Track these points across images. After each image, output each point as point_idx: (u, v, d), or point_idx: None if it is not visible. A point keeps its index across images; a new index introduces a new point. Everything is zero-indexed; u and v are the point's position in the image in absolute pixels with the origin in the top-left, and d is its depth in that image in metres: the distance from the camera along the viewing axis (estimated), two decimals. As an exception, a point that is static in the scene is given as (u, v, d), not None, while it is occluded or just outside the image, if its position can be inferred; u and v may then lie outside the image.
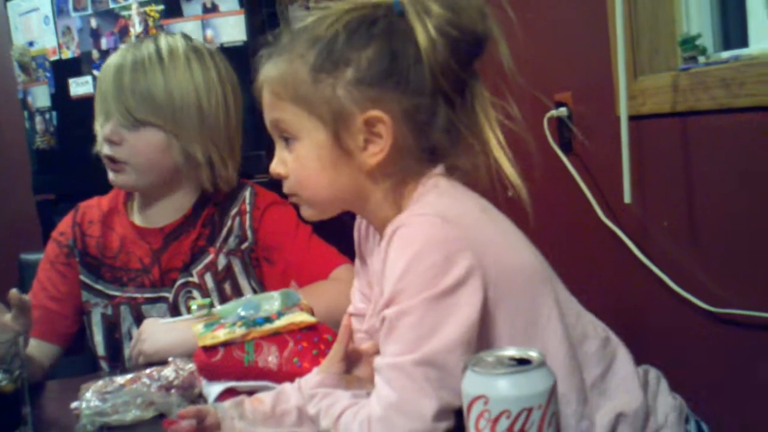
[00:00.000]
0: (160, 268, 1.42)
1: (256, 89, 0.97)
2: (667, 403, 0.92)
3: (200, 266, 1.41)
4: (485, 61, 0.93)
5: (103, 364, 1.44)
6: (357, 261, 1.11)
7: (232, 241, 1.43)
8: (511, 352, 0.69)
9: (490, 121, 0.92)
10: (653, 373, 0.95)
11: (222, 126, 1.42)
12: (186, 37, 1.46)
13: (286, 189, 0.98)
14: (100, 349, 1.44)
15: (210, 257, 1.41)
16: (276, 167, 0.97)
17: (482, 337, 0.83)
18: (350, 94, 0.89)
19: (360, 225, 1.08)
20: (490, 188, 0.91)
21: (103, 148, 1.39)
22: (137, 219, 1.47)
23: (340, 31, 0.90)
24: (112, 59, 1.40)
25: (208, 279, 1.41)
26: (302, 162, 0.94)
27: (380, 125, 0.89)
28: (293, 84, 0.92)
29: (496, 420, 0.64)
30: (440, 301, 0.81)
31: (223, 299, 1.40)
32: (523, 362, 0.68)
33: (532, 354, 0.68)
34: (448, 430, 0.80)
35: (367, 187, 0.94)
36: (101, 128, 1.39)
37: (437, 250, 0.82)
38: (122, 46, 1.45)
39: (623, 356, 0.92)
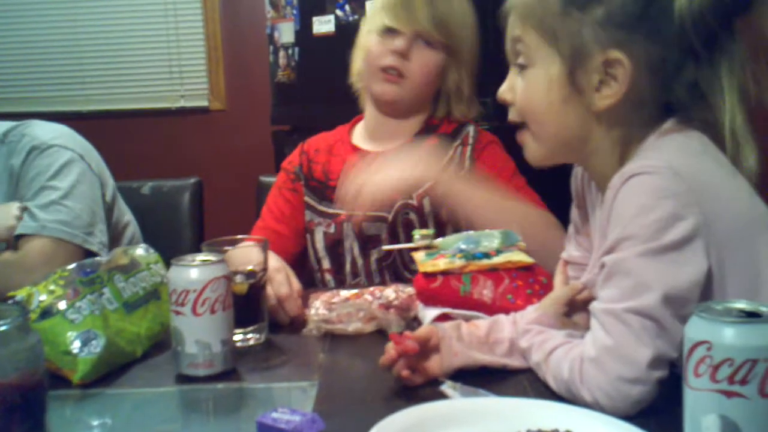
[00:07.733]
0: None
1: (503, 12, 0.97)
2: None
3: (420, 190, 1.47)
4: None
5: (328, 277, 1.55)
6: (574, 209, 1.11)
7: (451, 169, 1.47)
8: (742, 305, 0.68)
9: (736, 86, 0.88)
10: None
11: (475, 58, 1.52)
12: None
13: (511, 116, 0.99)
14: (325, 263, 1.55)
15: (430, 182, 1.46)
16: (504, 93, 0.99)
17: (708, 293, 0.82)
18: (596, 32, 0.89)
19: (577, 174, 1.08)
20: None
21: (385, 60, 1.47)
22: (361, 143, 1.59)
23: None
24: None
25: (426, 203, 1.48)
26: (532, 90, 0.95)
27: (619, 68, 0.88)
28: (542, 12, 0.92)
29: (718, 367, 0.64)
30: (663, 254, 0.80)
31: (438, 223, 1.46)
32: (752, 316, 0.66)
33: (763, 308, 0.67)
34: (662, 378, 0.81)
35: (594, 132, 0.93)
36: (384, 40, 1.47)
37: (666, 203, 0.81)
38: None
39: None
